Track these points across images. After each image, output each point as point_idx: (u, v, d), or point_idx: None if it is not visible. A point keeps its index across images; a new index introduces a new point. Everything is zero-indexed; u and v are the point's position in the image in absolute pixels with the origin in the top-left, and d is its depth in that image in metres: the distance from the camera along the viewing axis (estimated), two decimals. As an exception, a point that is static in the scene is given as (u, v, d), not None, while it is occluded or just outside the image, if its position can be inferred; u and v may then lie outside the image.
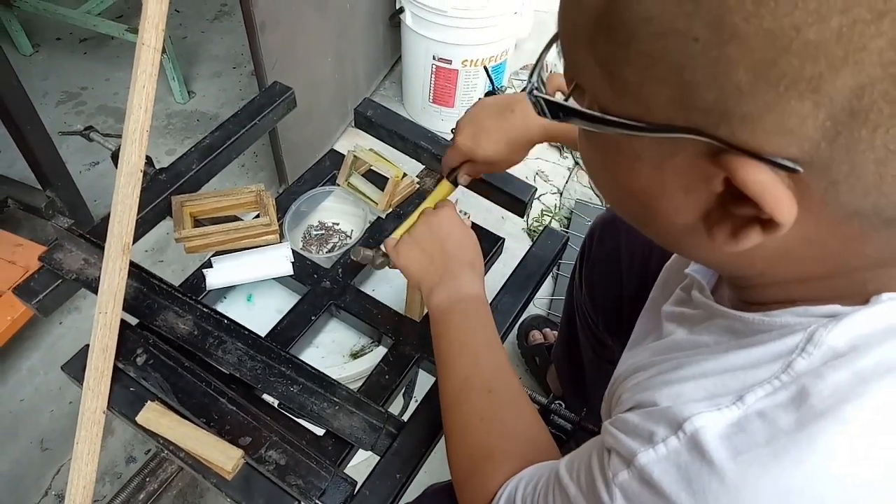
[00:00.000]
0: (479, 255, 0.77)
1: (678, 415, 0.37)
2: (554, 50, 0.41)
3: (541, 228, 1.42)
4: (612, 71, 0.33)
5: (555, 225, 1.83)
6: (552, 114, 0.38)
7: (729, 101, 0.30)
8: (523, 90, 0.39)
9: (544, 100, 0.37)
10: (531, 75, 0.39)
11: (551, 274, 1.75)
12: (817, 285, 0.38)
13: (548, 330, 1.52)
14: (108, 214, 0.78)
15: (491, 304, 0.92)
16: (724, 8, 0.28)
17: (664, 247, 0.44)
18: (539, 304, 1.67)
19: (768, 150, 0.30)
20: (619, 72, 0.33)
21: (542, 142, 0.84)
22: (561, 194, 1.92)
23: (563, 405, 0.92)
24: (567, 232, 1.76)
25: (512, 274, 0.96)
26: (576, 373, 1.24)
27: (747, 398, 0.36)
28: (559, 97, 0.38)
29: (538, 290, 0.98)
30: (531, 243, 1.01)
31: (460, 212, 0.85)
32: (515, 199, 1.03)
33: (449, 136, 1.12)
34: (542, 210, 1.86)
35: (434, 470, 0.78)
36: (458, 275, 0.73)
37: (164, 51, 1.94)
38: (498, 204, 1.06)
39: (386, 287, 1.05)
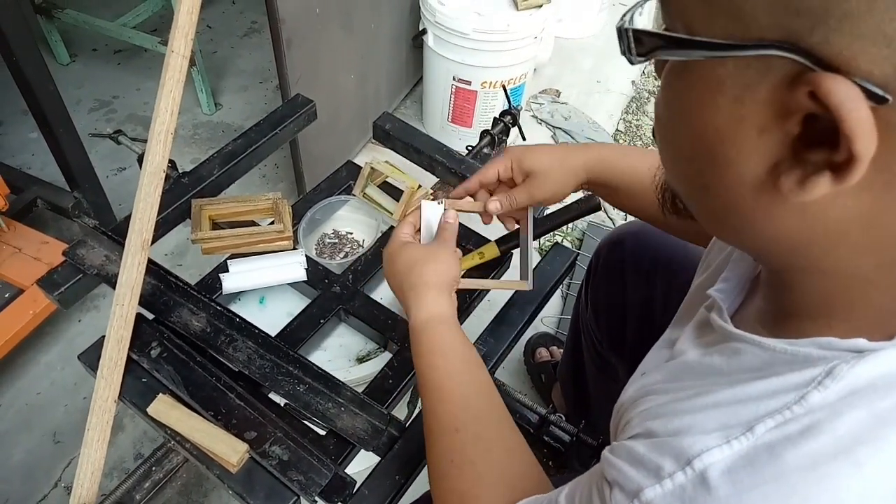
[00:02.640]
0: (424, 269, 0.71)
1: (688, 449, 0.36)
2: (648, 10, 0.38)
3: (552, 247, 1.43)
4: None
5: (566, 244, 1.85)
6: (640, 46, 0.35)
7: None
8: (617, 29, 0.36)
9: (634, 31, 0.35)
10: (626, 13, 0.37)
11: (561, 293, 1.77)
12: (846, 322, 0.37)
13: (555, 348, 1.53)
14: (131, 213, 0.82)
15: (497, 317, 0.94)
16: None
17: (712, 225, 0.41)
18: (548, 323, 1.67)
19: (858, 67, 0.28)
20: None
21: (594, 178, 0.79)
22: (575, 216, 1.93)
23: (563, 418, 0.93)
24: (579, 253, 1.77)
25: (519, 288, 0.98)
26: (579, 390, 1.24)
27: (757, 429, 0.35)
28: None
29: (545, 304, 0.99)
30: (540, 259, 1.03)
31: (438, 201, 0.82)
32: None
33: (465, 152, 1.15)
34: (552, 234, 1.88)
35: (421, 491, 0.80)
36: (409, 303, 0.71)
37: (193, 63, 2.02)
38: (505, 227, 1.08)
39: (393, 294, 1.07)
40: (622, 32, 0.35)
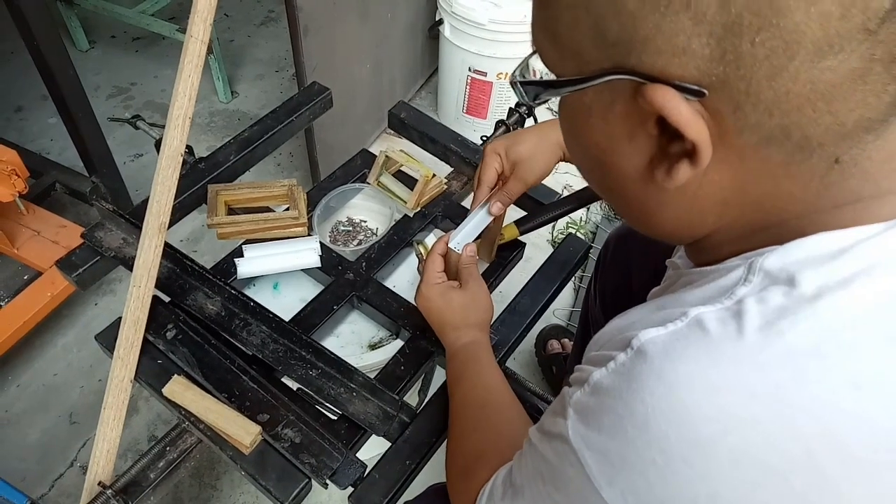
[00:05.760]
0: (468, 314, 0.81)
1: (629, 336, 0.40)
2: None
3: (565, 239, 1.43)
4: (553, 32, 0.39)
5: (580, 236, 1.84)
6: (527, 94, 0.43)
7: (628, 28, 0.35)
8: (511, 84, 0.45)
9: (520, 82, 0.43)
10: (516, 69, 0.45)
11: (573, 286, 1.76)
12: (762, 237, 0.41)
13: (566, 340, 1.53)
14: (148, 197, 0.83)
15: (508, 307, 0.95)
16: None
17: (627, 219, 0.48)
18: (559, 315, 1.67)
19: (672, 73, 0.34)
20: (556, 30, 0.39)
21: (566, 151, 0.85)
22: (588, 208, 1.93)
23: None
24: (592, 245, 1.76)
25: (532, 278, 0.98)
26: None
27: (690, 312, 0.39)
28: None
29: (558, 294, 0.99)
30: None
31: (455, 245, 0.86)
32: (539, 204, 1.05)
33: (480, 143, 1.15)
34: (567, 223, 1.87)
35: (435, 470, 0.81)
36: (458, 330, 0.81)
37: (211, 51, 2.03)
38: (523, 209, 1.08)
39: (406, 282, 1.07)
40: (513, 86, 0.44)
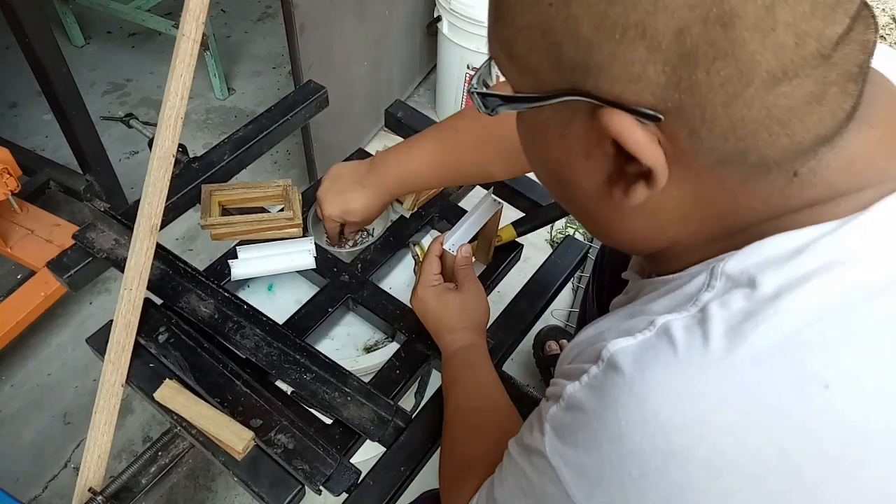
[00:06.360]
0: (464, 316, 0.81)
1: (599, 348, 0.41)
2: None
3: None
4: (510, 51, 0.39)
5: (578, 237, 1.83)
6: (485, 105, 0.43)
7: (584, 54, 0.34)
8: (468, 92, 0.45)
9: (478, 93, 0.43)
10: (473, 78, 0.45)
11: (571, 286, 1.75)
12: (723, 244, 0.40)
13: (564, 341, 1.52)
14: (140, 198, 0.81)
15: (506, 308, 0.94)
16: None
17: (588, 229, 0.48)
18: (558, 316, 1.66)
19: (627, 99, 0.35)
20: (513, 50, 0.39)
21: (400, 192, 0.95)
22: (587, 208, 1.92)
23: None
24: (591, 246, 1.75)
25: (530, 280, 0.97)
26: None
27: (657, 321, 0.39)
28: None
29: (555, 297, 0.98)
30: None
31: (450, 247, 0.85)
32: (537, 205, 1.04)
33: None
34: (566, 222, 1.86)
35: (426, 480, 0.80)
36: (454, 333, 0.80)
37: (207, 47, 2.01)
38: (520, 210, 1.07)
39: (403, 284, 1.06)
40: (472, 95, 0.44)
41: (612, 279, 1.03)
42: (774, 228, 0.38)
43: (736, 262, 0.38)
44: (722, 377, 0.35)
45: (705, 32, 0.31)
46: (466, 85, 1.95)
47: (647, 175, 0.37)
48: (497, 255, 1.00)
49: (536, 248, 1.76)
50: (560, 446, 0.42)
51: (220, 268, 0.97)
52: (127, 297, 0.78)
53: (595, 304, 1.08)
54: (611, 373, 0.39)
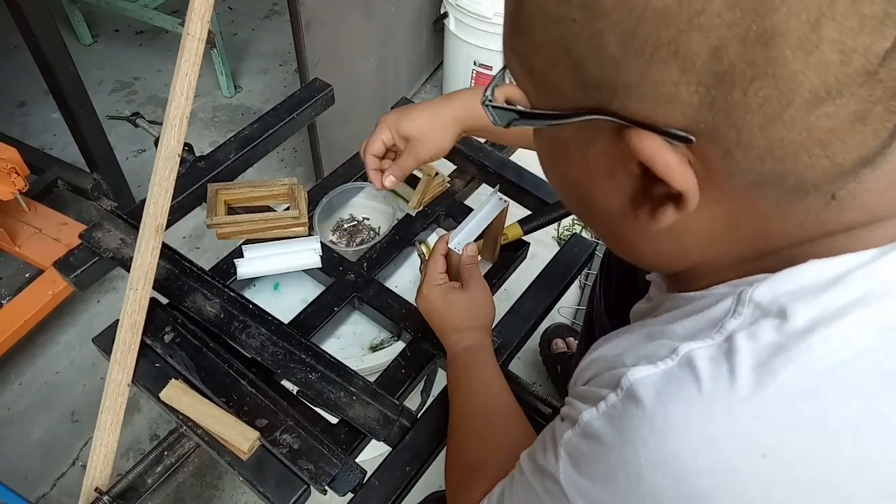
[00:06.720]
0: (469, 316, 0.80)
1: (618, 374, 0.39)
2: None
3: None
4: (529, 66, 0.37)
5: (585, 235, 1.83)
6: (500, 118, 0.41)
7: (611, 73, 0.32)
8: (482, 105, 0.43)
9: (492, 106, 0.41)
10: (486, 89, 0.43)
11: (578, 284, 1.75)
12: (750, 266, 0.39)
13: (571, 339, 1.51)
14: (146, 198, 0.81)
15: (513, 307, 0.93)
16: None
17: (609, 246, 0.46)
18: (565, 313, 1.66)
19: (657, 121, 0.33)
20: (532, 65, 0.37)
21: (466, 127, 0.87)
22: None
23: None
24: (598, 243, 1.74)
25: (536, 279, 0.96)
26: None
27: (680, 349, 0.37)
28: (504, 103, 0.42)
29: (562, 296, 0.98)
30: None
31: (456, 245, 0.84)
32: (543, 203, 1.03)
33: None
34: (572, 220, 1.85)
35: (432, 480, 0.80)
36: (459, 332, 0.80)
37: (214, 45, 2.01)
38: (526, 208, 1.06)
39: (408, 282, 1.06)
40: (485, 108, 0.42)
41: (619, 277, 1.02)
42: (808, 253, 0.36)
43: (766, 290, 0.37)
44: (748, 419, 0.34)
45: (744, 51, 0.29)
46: (473, 81, 1.94)
47: (676, 197, 0.35)
48: (503, 254, 0.99)
49: (543, 246, 1.76)
50: (575, 476, 0.41)
51: (225, 267, 0.97)
52: (133, 296, 0.78)
53: (602, 303, 1.07)
54: (630, 404, 0.37)
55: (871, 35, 0.29)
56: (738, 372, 0.34)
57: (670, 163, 0.33)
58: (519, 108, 0.40)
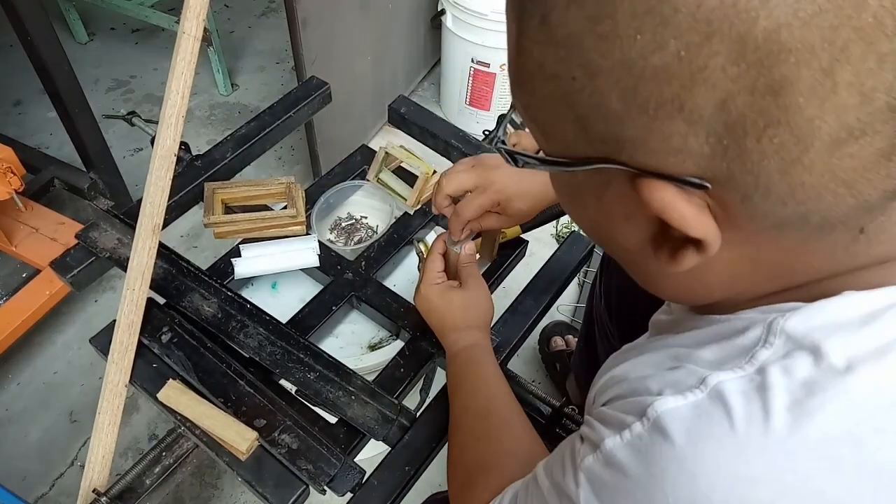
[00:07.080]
0: (468, 315, 0.79)
1: (644, 402, 0.38)
2: None
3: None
4: (533, 117, 0.37)
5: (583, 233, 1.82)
6: (512, 160, 0.40)
7: (615, 129, 0.32)
8: (490, 142, 0.42)
9: (505, 150, 0.41)
10: (496, 130, 0.42)
11: (577, 281, 1.74)
12: (776, 298, 0.38)
13: (570, 337, 1.51)
14: (142, 198, 0.81)
15: (511, 304, 0.93)
16: (584, 49, 0.30)
17: (636, 280, 0.45)
18: (563, 311, 1.66)
19: (669, 170, 0.32)
20: (537, 116, 0.36)
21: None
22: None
23: (577, 410, 0.92)
24: (596, 240, 1.74)
25: (535, 277, 0.96)
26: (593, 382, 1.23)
27: (709, 380, 0.36)
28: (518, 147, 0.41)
29: (560, 294, 0.97)
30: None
31: (452, 245, 0.82)
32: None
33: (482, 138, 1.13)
34: (572, 217, 1.85)
35: (432, 479, 0.79)
36: (458, 331, 0.79)
37: (210, 43, 2.00)
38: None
39: (407, 281, 1.06)
40: (499, 150, 0.42)
41: (620, 275, 1.02)
42: (842, 285, 0.35)
43: (798, 321, 0.35)
44: (784, 462, 0.32)
45: (753, 102, 0.28)
46: (470, 78, 1.93)
47: (696, 241, 0.34)
48: (502, 252, 0.99)
49: (542, 243, 1.75)
50: None
51: (223, 266, 0.96)
52: (130, 297, 0.78)
53: (602, 301, 1.07)
54: (658, 438, 0.36)
55: (894, 71, 0.27)
56: (772, 410, 0.33)
57: (685, 214, 0.32)
58: (530, 154, 0.39)
